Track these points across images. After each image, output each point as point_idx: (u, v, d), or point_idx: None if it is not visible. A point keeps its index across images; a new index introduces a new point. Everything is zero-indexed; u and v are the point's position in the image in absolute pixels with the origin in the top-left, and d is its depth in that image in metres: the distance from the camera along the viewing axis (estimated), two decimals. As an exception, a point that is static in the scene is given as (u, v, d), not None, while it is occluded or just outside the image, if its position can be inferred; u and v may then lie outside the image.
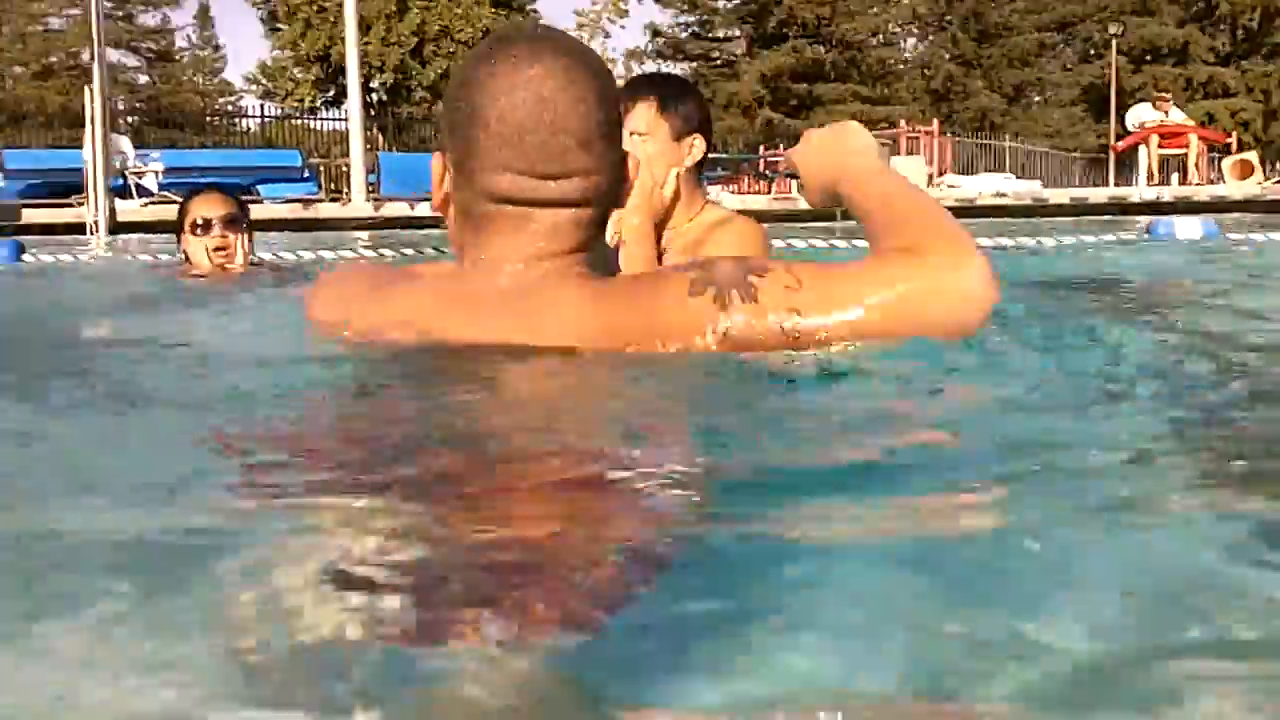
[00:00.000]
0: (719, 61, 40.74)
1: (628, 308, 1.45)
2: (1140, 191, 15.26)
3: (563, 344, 1.43)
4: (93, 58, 10.73)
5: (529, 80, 1.42)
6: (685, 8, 40.65)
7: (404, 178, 18.93)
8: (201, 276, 4.03)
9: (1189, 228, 4.64)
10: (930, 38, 42.21)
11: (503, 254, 1.47)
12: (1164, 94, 18.08)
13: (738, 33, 40.69)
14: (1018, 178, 21.73)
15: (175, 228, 4.16)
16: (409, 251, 5.87)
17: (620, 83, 2.34)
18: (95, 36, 10.83)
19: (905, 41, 43.78)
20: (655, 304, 1.43)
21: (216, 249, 3.99)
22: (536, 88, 1.42)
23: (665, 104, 2.80)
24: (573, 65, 1.45)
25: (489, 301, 1.47)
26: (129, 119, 29.31)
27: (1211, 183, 17.74)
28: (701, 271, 1.43)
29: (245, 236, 4.09)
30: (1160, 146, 16.54)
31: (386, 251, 6.56)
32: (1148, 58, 39.08)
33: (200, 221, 4.01)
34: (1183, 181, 16.36)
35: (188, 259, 4.12)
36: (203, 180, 14.94)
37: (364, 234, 10.39)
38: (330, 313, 1.62)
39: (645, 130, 2.79)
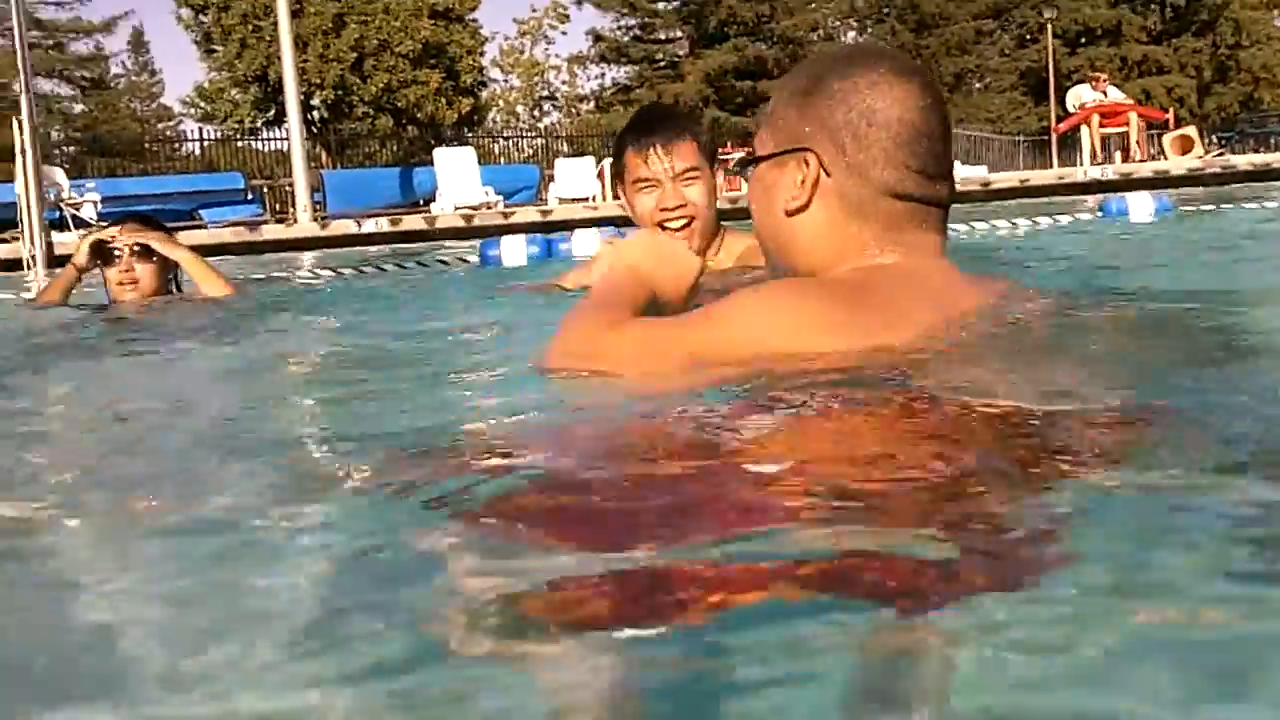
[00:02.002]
0: (662, 63, 40.71)
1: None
2: (1085, 171, 15.36)
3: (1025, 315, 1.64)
4: (21, 89, 10.49)
5: (920, 91, 1.59)
6: (625, 11, 40.59)
7: (350, 194, 18.77)
8: (113, 307, 3.97)
9: (1142, 205, 4.61)
10: (869, 30, 42.41)
11: (930, 245, 1.61)
12: (1100, 74, 18.23)
13: (679, 34, 40.68)
14: (964, 164, 21.85)
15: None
16: (358, 270, 5.74)
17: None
18: (22, 67, 10.59)
19: (845, 35, 44.00)
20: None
21: (120, 282, 3.97)
22: (927, 98, 1.59)
23: (700, 143, 2.99)
24: (935, 81, 1.68)
25: (968, 283, 1.63)
26: (65, 149, 28.85)
27: (1153, 159, 17.91)
28: None
29: (156, 266, 4.04)
30: (1101, 126, 16.66)
31: (326, 271, 6.42)
32: (1082, 40, 39.49)
33: (107, 252, 3.99)
34: (1125, 159, 16.48)
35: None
36: (142, 209, 14.76)
37: (311, 254, 10.23)
38: (819, 339, 1.47)
39: (698, 168, 2.96)
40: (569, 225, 12.28)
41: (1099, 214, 4.76)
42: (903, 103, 1.56)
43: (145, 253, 4.00)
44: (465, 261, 5.51)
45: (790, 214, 1.61)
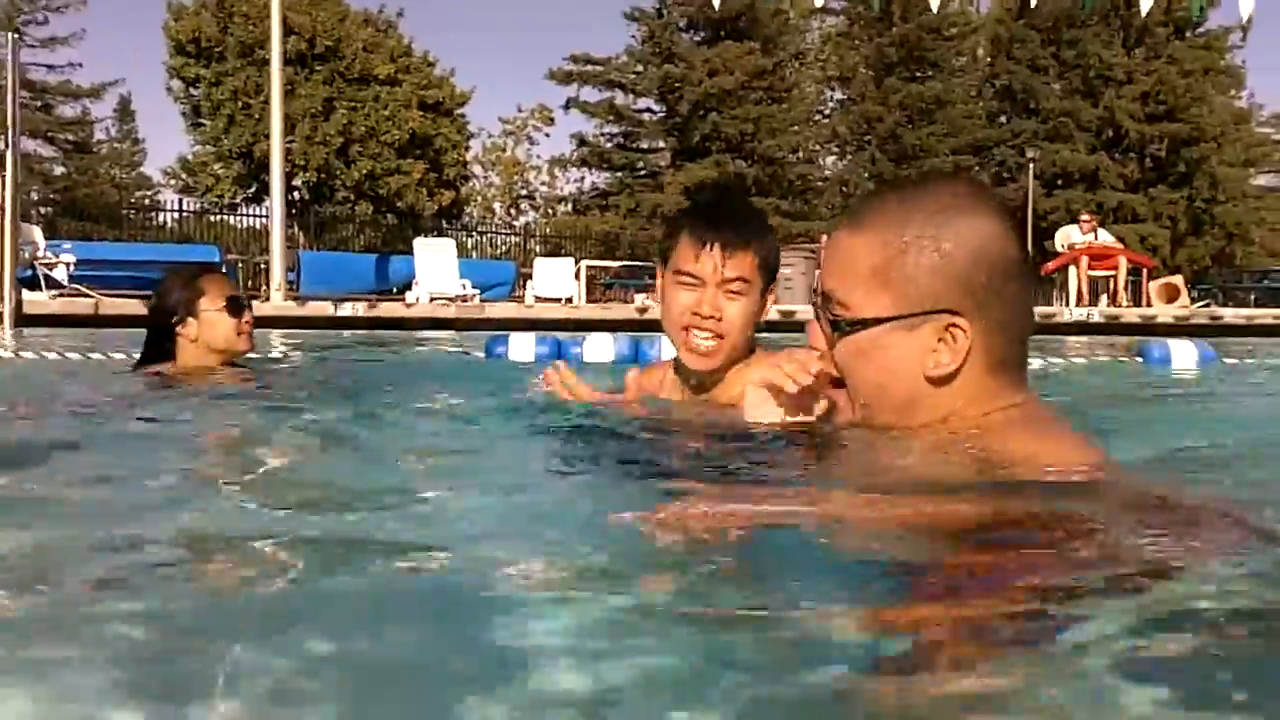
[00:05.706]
0: (643, 172, 41.06)
1: None
2: (1070, 312, 15.35)
3: None
4: (7, 146, 10.26)
5: (1014, 227, 1.58)
6: (611, 119, 41.05)
7: (324, 276, 18.57)
8: (180, 379, 3.61)
9: (1185, 353, 4.44)
10: (849, 156, 43.06)
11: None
12: (1090, 216, 18.35)
13: (662, 144, 41.12)
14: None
15: (177, 306, 3.70)
16: (326, 354, 5.49)
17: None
18: (11, 126, 10.37)
19: (825, 159, 44.65)
20: None
21: (244, 333, 3.73)
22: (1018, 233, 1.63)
23: (761, 255, 2.57)
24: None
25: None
26: (42, 210, 28.49)
27: (1133, 305, 17.98)
28: None
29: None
30: (1089, 268, 16.68)
31: (295, 355, 6.15)
32: (1059, 182, 40.17)
33: (232, 301, 3.69)
34: (1112, 303, 16.50)
35: (177, 345, 3.70)
36: (117, 274, 14.39)
37: (280, 333, 9.94)
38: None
39: (748, 281, 2.55)
40: (547, 325, 12.10)
41: (1138, 359, 4.59)
42: (1017, 245, 1.53)
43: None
44: (467, 353, 5.31)
45: (936, 381, 1.51)
